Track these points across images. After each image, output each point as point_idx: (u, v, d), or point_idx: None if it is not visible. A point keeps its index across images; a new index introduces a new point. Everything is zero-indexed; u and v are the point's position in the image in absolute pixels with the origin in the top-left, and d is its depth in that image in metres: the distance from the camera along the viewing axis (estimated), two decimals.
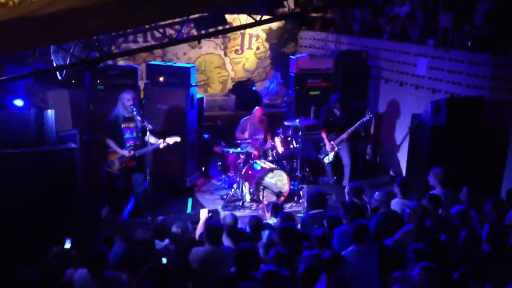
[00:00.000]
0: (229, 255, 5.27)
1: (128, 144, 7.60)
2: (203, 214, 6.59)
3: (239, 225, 7.77)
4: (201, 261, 5.32)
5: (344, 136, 8.83)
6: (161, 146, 7.60)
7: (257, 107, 9.52)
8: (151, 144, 7.44)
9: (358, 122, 8.74)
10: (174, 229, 5.88)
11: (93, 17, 4.86)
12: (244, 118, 9.53)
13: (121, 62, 10.53)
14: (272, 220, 6.67)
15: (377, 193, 6.51)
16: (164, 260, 4.95)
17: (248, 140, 9.05)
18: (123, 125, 7.56)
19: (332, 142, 8.92)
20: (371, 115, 8.77)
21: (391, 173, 9.87)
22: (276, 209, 6.79)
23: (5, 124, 6.09)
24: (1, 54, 6.32)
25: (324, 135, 9.01)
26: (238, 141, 9.17)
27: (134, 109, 7.47)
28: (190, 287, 5.21)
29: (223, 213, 8.10)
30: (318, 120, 9.15)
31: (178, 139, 7.76)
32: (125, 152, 7.54)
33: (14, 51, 6.05)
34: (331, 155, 9.01)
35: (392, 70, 9.87)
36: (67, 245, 5.35)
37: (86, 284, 4.85)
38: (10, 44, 4.98)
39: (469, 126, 7.67)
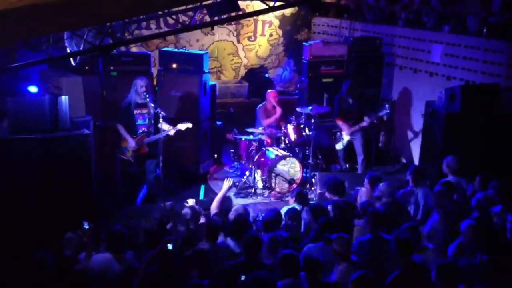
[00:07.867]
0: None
1: (140, 131, 7.64)
2: (226, 184, 6.64)
3: (252, 213, 7.80)
4: None
5: (361, 125, 8.70)
6: (171, 133, 7.61)
7: (270, 90, 9.47)
8: (163, 130, 7.46)
9: (376, 115, 8.56)
10: (185, 210, 5.92)
11: (109, 3, 4.85)
12: (259, 106, 9.47)
13: (134, 48, 10.53)
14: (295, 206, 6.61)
15: (381, 184, 6.43)
16: (170, 246, 4.88)
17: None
18: (135, 111, 7.59)
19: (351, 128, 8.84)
20: (388, 112, 8.54)
21: (403, 160, 9.81)
22: (301, 196, 6.72)
23: (19, 110, 6.15)
24: (17, 40, 6.35)
25: (340, 122, 8.94)
26: (259, 128, 9.12)
27: (147, 95, 7.49)
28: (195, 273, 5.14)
29: (235, 200, 8.12)
30: (332, 108, 9.08)
31: (190, 125, 7.77)
32: (132, 143, 7.52)
33: (30, 37, 6.07)
34: (345, 141, 8.94)
35: (407, 57, 9.76)
36: (86, 225, 5.27)
37: (107, 266, 4.84)
38: (26, 31, 4.99)
39: (484, 114, 7.55)
